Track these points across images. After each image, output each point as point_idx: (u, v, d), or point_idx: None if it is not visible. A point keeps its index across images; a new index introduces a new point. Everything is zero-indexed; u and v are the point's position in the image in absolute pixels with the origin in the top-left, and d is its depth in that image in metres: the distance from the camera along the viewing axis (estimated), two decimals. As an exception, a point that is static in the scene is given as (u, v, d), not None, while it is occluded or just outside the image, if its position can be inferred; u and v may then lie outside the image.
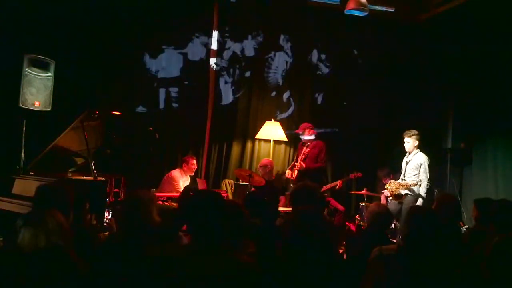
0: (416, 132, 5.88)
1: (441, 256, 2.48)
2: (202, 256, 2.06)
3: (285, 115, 7.73)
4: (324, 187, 6.57)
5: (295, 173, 6.43)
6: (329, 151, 7.47)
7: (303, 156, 6.43)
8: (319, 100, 7.99)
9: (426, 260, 2.42)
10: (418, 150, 5.89)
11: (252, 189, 6.31)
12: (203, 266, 2.03)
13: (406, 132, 5.92)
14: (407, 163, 5.93)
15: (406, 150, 5.93)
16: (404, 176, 5.91)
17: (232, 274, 2.00)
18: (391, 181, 5.98)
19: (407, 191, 5.78)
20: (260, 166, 6.70)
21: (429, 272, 2.39)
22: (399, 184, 5.83)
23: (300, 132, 6.50)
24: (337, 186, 6.59)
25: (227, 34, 7.50)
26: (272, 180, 6.70)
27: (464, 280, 2.52)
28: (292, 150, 7.71)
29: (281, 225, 3.21)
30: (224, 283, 1.99)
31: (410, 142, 5.87)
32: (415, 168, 5.82)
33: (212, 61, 7.40)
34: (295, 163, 6.55)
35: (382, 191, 6.41)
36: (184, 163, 6.56)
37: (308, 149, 6.45)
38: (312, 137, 6.49)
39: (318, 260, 2.23)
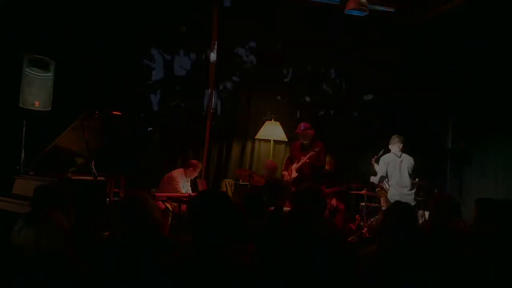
0: (400, 137, 5.96)
1: (423, 253, 2.45)
2: (201, 256, 2.07)
3: (284, 116, 7.70)
4: (329, 189, 6.57)
5: (294, 173, 6.37)
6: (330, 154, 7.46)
7: (306, 160, 6.27)
8: (318, 101, 7.98)
9: (407, 258, 2.39)
10: (401, 153, 5.97)
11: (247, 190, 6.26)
12: (203, 266, 2.03)
13: (390, 140, 6.02)
14: None
15: None
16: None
17: (231, 275, 2.01)
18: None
19: (407, 193, 5.84)
20: (268, 168, 6.47)
21: (411, 270, 2.36)
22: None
23: (301, 133, 6.36)
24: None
25: (226, 36, 7.49)
26: (272, 180, 6.67)
27: (456, 276, 2.52)
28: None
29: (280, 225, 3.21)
30: (222, 284, 2.00)
31: (393, 148, 5.98)
32: None
33: (212, 62, 7.39)
34: (290, 164, 6.45)
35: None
36: (191, 167, 6.50)
37: (310, 149, 6.35)
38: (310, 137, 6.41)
39: (316, 261, 2.23)
